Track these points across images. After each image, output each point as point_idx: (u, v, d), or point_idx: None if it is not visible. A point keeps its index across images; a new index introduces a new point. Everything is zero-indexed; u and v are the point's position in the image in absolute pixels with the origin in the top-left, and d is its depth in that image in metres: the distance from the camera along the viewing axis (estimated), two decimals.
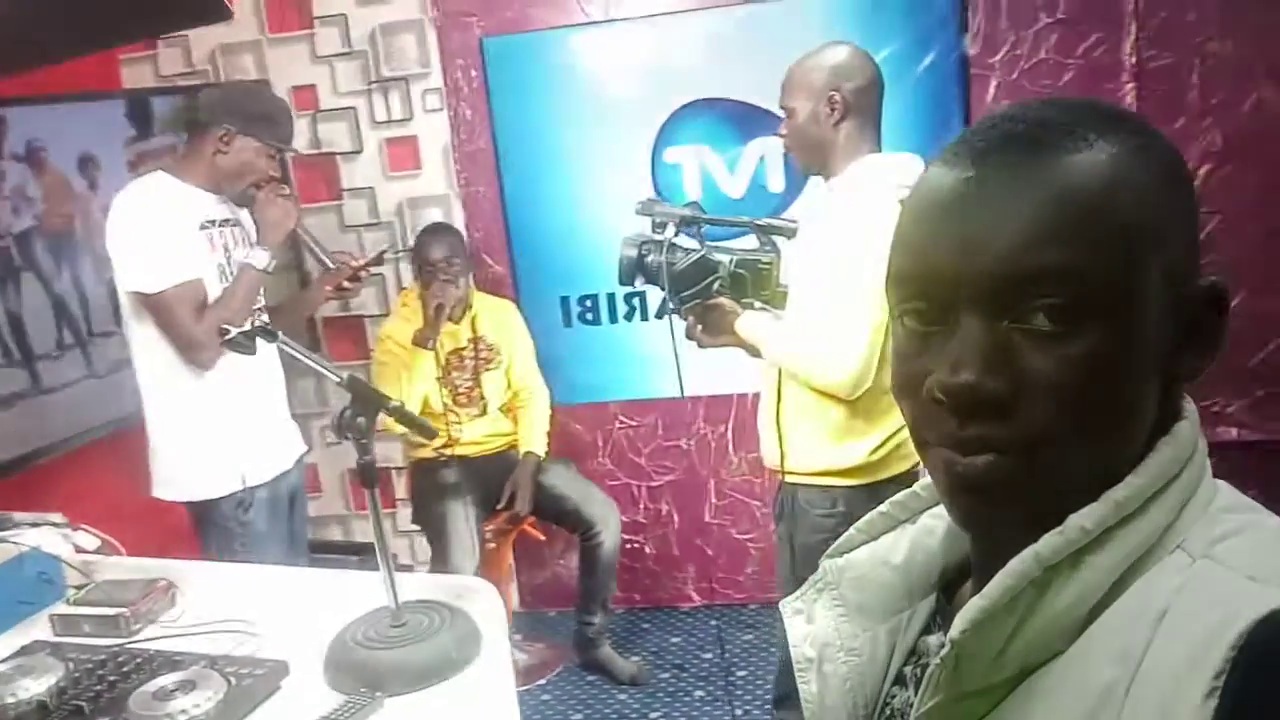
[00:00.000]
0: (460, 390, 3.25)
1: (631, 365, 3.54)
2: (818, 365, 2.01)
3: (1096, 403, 0.57)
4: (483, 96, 3.41)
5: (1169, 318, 0.58)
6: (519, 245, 3.53)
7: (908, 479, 2.12)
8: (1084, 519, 0.57)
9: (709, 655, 3.46)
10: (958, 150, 0.61)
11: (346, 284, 2.62)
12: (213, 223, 2.46)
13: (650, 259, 2.20)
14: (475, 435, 3.28)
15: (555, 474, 3.30)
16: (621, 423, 3.61)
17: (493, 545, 3.42)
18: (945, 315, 0.60)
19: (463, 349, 3.25)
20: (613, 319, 3.53)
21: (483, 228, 3.51)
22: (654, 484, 3.64)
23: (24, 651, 1.67)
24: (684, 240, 2.20)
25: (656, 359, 3.51)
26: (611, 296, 3.51)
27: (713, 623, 3.63)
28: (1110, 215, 0.56)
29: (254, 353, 1.70)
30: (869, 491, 2.06)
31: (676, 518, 3.66)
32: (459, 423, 3.24)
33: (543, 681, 3.38)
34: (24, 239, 2.75)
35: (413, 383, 3.08)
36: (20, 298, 2.74)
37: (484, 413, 3.30)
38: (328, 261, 2.55)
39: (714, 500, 3.62)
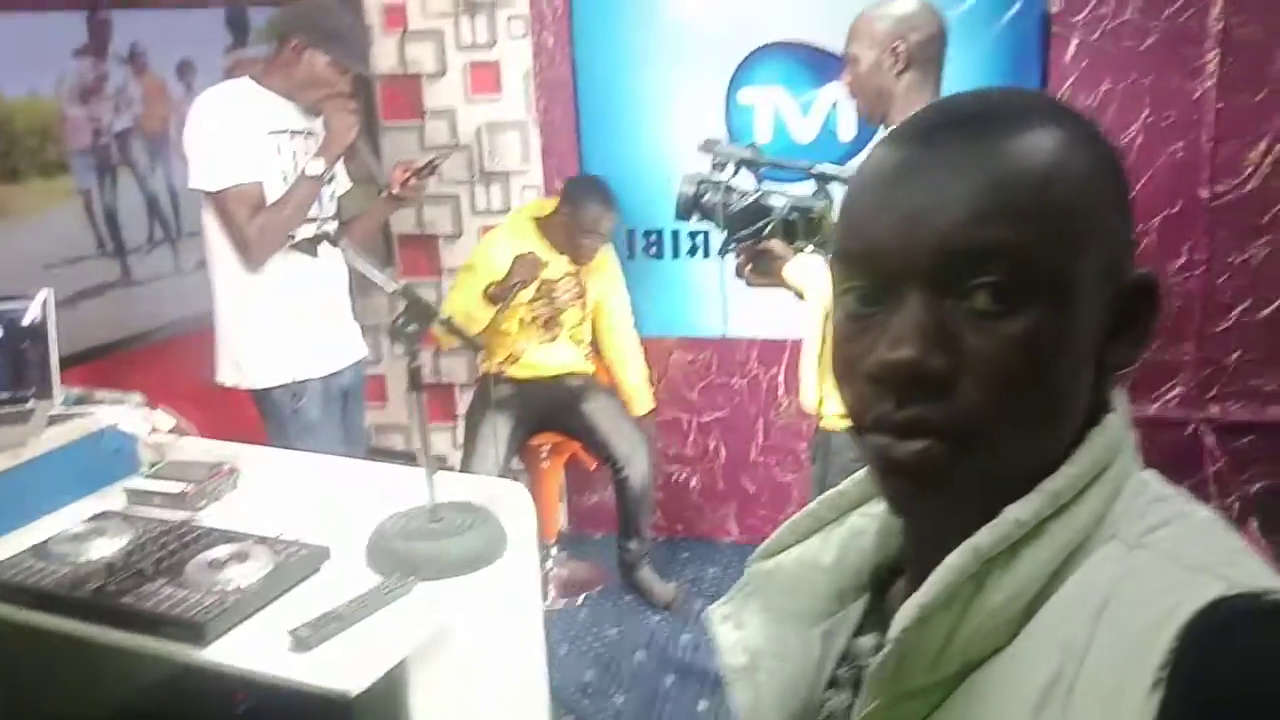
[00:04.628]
0: (539, 316, 3.29)
1: (691, 301, 3.61)
2: None
3: (1033, 385, 0.57)
4: (566, 26, 3.47)
5: (1105, 308, 0.59)
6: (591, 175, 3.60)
7: None
8: (1019, 511, 0.57)
9: None
10: (903, 130, 0.62)
11: (398, 192, 2.70)
12: (285, 131, 2.57)
13: (707, 198, 2.25)
14: (537, 358, 3.33)
15: (595, 402, 3.36)
16: (678, 357, 3.70)
17: (546, 463, 3.56)
18: (887, 295, 0.59)
19: (558, 280, 3.28)
20: (675, 254, 3.60)
21: (557, 155, 3.59)
22: (704, 419, 3.73)
23: (99, 518, 1.84)
24: (741, 181, 2.24)
25: (715, 297, 3.57)
26: (676, 233, 3.56)
27: (749, 557, 3.72)
28: (1055, 197, 0.57)
29: (316, 255, 1.82)
30: None
31: (724, 454, 3.75)
32: (526, 344, 3.31)
33: (582, 598, 3.54)
34: (123, 138, 2.91)
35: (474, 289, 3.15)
36: (116, 193, 2.90)
37: (554, 340, 3.36)
38: (379, 176, 2.67)
39: (761, 440, 3.70)
